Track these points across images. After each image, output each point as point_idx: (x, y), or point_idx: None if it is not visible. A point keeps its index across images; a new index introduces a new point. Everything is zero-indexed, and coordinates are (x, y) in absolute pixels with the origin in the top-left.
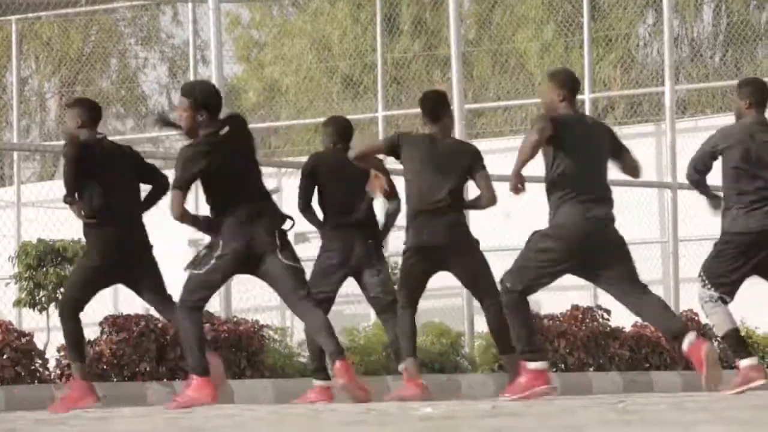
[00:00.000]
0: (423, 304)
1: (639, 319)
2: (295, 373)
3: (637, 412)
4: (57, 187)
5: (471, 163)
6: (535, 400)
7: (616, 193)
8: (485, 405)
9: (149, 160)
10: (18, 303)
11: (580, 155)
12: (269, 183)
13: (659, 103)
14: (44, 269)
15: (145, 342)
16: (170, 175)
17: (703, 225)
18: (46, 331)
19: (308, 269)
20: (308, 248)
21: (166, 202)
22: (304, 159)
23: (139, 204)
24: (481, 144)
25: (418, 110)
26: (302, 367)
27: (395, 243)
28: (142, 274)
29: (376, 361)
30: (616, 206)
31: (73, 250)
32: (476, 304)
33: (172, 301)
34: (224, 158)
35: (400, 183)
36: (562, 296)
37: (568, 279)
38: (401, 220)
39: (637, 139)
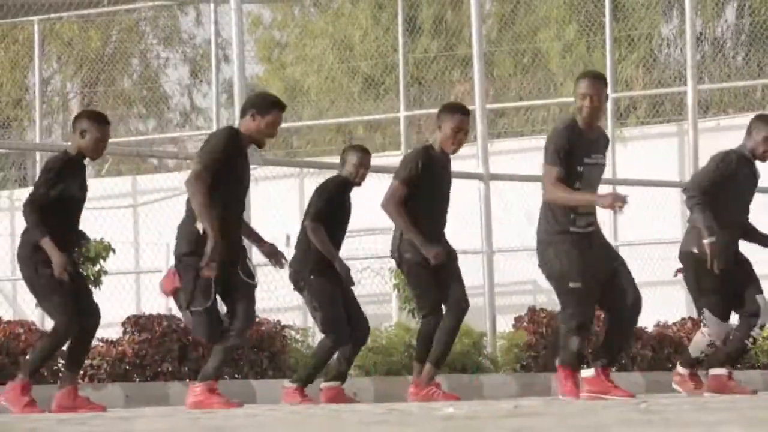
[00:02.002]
0: None
1: (661, 320)
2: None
3: (659, 412)
4: None
5: None
6: (556, 400)
7: (638, 192)
8: (507, 405)
9: (171, 161)
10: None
11: None
12: (290, 183)
13: (681, 103)
14: None
15: (167, 342)
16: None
17: None
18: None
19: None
20: None
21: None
22: (325, 159)
23: None
24: (502, 144)
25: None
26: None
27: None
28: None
29: (397, 361)
30: (638, 206)
31: (95, 250)
32: (498, 303)
33: None
34: None
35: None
36: None
37: None
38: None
39: (659, 138)
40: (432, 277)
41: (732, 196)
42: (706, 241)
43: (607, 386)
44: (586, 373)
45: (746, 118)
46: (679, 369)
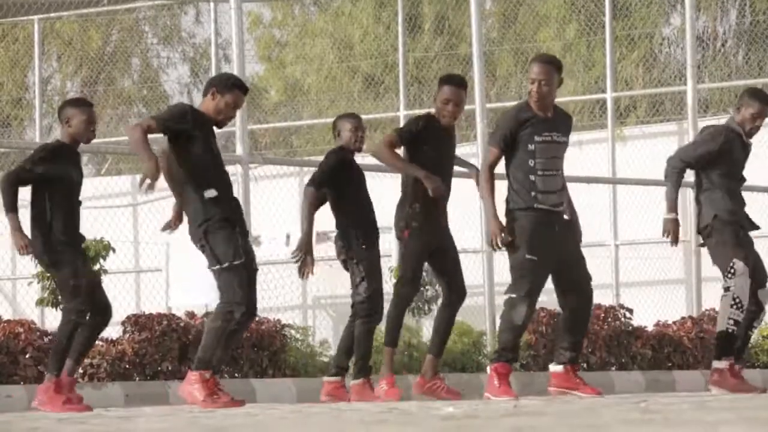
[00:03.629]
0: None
1: (661, 319)
2: (317, 373)
3: (659, 411)
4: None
5: None
6: (558, 399)
7: (638, 191)
8: (507, 404)
9: None
10: (41, 302)
11: None
12: (290, 182)
13: (681, 102)
14: None
15: (167, 341)
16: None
17: None
18: None
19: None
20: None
21: None
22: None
23: None
24: None
25: None
26: (324, 366)
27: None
28: None
29: (397, 360)
30: (639, 206)
31: (95, 249)
32: (497, 303)
33: None
34: None
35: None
36: None
37: (591, 278)
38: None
39: (659, 138)
40: (426, 252)
41: (730, 167)
42: (666, 217)
43: (574, 382)
44: (555, 368)
45: None
46: (716, 363)
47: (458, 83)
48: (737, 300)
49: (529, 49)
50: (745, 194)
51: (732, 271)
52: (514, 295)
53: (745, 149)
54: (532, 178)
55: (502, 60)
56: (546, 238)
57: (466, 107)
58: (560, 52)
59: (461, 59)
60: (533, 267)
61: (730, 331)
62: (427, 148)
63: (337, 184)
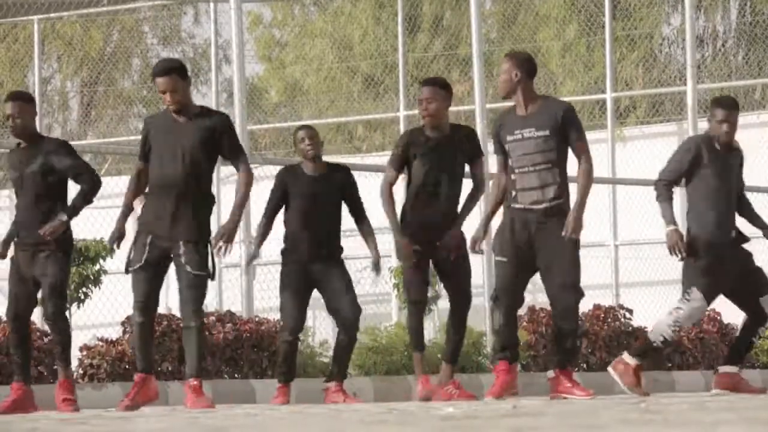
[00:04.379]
0: (443, 303)
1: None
2: (317, 373)
3: (659, 411)
4: None
5: None
6: (557, 400)
7: (637, 192)
8: (507, 404)
9: None
10: (41, 303)
11: None
12: None
13: (681, 103)
14: None
15: (167, 342)
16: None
17: None
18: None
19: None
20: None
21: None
22: (324, 159)
23: None
24: None
25: None
26: (324, 366)
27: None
28: None
29: (397, 360)
30: (639, 206)
31: (95, 249)
32: None
33: None
34: None
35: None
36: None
37: (591, 278)
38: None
39: (659, 138)
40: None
41: (707, 179)
42: (667, 230)
43: (564, 387)
44: (549, 374)
45: (746, 118)
46: (626, 357)
47: (427, 82)
48: (678, 324)
49: (528, 50)
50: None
51: (687, 297)
52: (492, 299)
53: (726, 158)
54: (513, 177)
55: (502, 60)
56: (515, 239)
57: (465, 107)
58: (560, 52)
59: (461, 59)
60: (500, 269)
61: (656, 344)
62: (416, 163)
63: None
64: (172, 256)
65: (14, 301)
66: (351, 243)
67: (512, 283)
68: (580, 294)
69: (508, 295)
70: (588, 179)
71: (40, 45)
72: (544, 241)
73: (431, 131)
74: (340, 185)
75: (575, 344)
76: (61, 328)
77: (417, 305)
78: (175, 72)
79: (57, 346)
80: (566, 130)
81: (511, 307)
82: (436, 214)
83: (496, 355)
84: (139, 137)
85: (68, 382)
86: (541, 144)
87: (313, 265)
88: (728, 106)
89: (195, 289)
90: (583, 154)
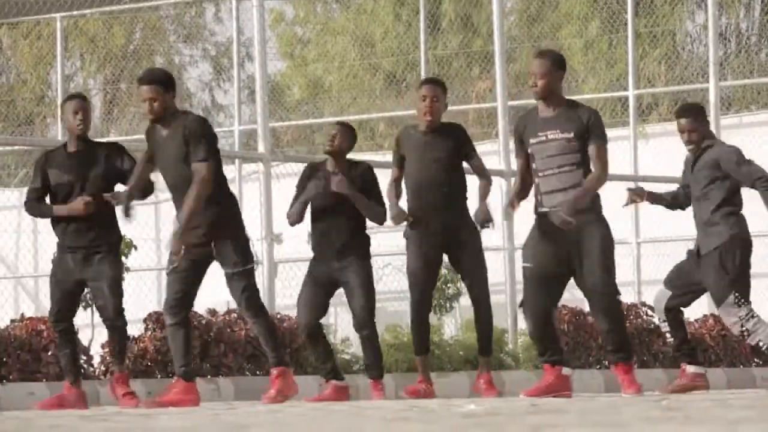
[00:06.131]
0: (465, 301)
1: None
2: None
3: (680, 409)
4: None
5: None
6: (579, 398)
7: (660, 189)
8: (528, 401)
9: None
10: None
11: None
12: None
13: (704, 100)
14: None
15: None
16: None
17: None
18: (90, 327)
19: None
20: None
21: None
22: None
23: None
24: None
25: (460, 107)
26: (345, 363)
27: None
28: None
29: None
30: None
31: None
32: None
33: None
34: None
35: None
36: None
37: None
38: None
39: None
40: (421, 259)
41: (690, 187)
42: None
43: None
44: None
45: None
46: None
47: (430, 81)
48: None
49: (551, 47)
50: (745, 194)
51: (736, 305)
52: (519, 304)
53: (695, 166)
54: (536, 180)
55: (523, 57)
56: (541, 244)
57: (487, 105)
58: (582, 49)
59: (482, 56)
60: (526, 277)
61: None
62: (408, 161)
63: None
64: (213, 256)
65: (59, 302)
66: (372, 240)
67: (536, 289)
68: (616, 291)
69: (533, 300)
70: (597, 183)
71: (63, 42)
72: (575, 243)
73: (425, 128)
74: (361, 182)
75: (624, 338)
76: (120, 327)
77: (417, 305)
78: (157, 83)
79: (115, 344)
80: (590, 134)
81: (537, 314)
82: (438, 207)
83: (540, 358)
84: None
85: (124, 375)
86: (565, 146)
87: (336, 261)
88: (680, 113)
89: (240, 285)
90: (601, 162)
